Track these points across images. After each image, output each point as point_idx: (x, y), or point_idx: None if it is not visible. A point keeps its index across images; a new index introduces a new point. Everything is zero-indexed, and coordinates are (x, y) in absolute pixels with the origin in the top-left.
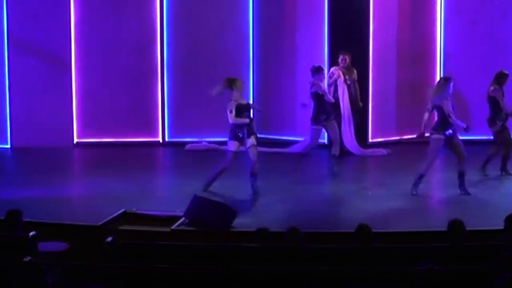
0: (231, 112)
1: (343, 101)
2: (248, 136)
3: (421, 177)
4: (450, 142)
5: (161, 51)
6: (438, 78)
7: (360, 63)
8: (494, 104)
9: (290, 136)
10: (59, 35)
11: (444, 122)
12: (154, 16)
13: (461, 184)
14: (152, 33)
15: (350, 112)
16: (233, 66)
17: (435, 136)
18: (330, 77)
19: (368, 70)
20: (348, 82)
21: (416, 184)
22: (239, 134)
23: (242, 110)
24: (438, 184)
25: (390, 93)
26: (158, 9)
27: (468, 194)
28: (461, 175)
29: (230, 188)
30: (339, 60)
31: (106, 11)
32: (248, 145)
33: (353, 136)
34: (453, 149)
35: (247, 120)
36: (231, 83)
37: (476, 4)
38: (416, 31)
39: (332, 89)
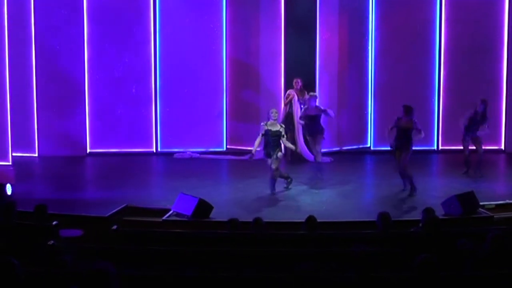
0: None
1: (297, 116)
2: None
3: None
4: None
5: (154, 80)
6: (369, 105)
7: (309, 90)
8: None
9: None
10: (76, 67)
11: None
12: (149, 53)
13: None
14: (148, 66)
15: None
16: (211, 93)
17: None
18: (286, 97)
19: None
20: (301, 101)
21: None
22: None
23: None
24: (372, 184)
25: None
26: (152, 48)
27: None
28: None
29: (209, 188)
30: (294, 83)
31: (111, 49)
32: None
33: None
34: None
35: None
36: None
37: (399, 46)
38: (353, 66)
39: (287, 107)
